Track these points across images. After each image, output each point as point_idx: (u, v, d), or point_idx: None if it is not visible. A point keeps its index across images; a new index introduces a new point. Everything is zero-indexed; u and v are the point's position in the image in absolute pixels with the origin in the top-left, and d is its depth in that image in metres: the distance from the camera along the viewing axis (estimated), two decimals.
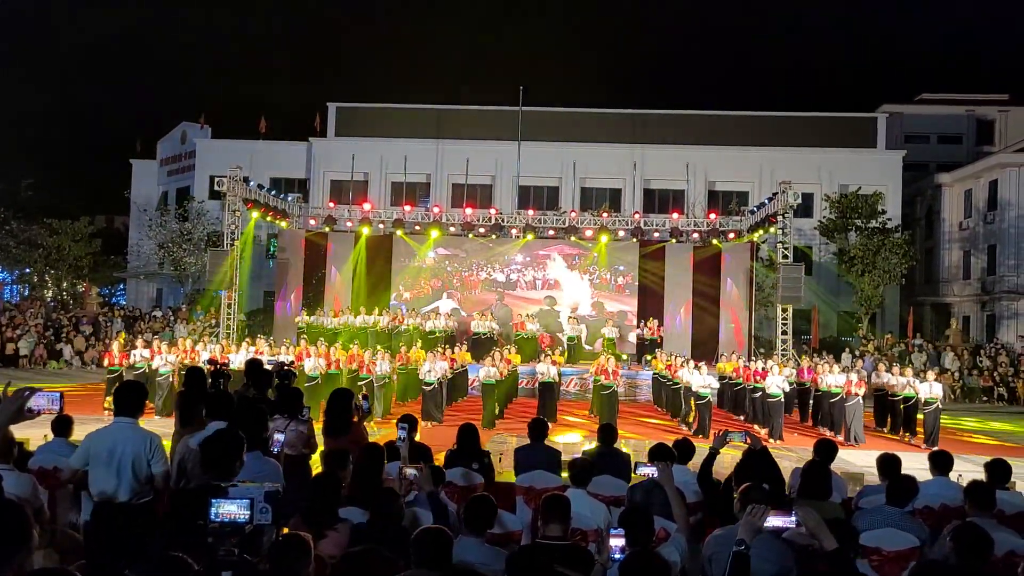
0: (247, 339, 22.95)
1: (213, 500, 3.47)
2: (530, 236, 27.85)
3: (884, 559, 5.52)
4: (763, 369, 18.76)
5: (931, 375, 18.11)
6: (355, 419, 7.90)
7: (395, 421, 7.25)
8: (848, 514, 6.13)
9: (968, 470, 8.55)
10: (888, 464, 7.04)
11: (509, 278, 29.10)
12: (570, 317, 26.75)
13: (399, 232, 28.16)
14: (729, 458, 9.18)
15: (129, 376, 17.97)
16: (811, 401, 19.59)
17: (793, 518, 4.07)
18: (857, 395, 17.12)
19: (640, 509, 5.11)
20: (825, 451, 7.31)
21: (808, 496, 5.90)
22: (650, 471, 5.77)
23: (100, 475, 5.73)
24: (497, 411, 18.43)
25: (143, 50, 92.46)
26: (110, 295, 45.44)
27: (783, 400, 17.66)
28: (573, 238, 27.90)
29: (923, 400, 17.00)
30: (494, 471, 7.81)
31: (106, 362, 18.84)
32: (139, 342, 20.46)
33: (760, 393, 18.24)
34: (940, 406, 17.01)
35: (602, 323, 26.66)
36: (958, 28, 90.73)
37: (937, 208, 42.58)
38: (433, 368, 18.14)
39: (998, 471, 6.92)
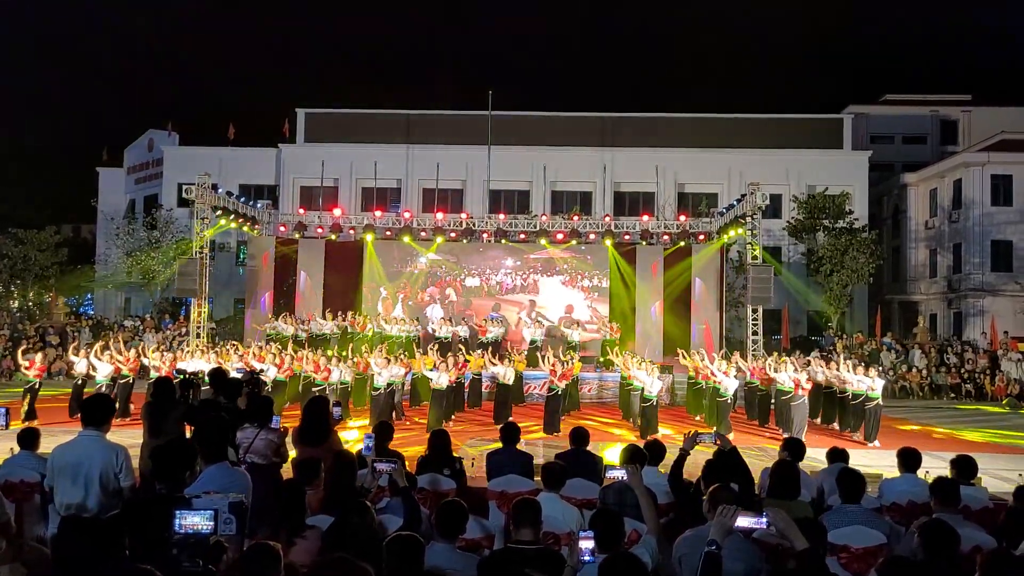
0: (206, 347, 22.74)
1: (177, 511, 3.44)
2: (503, 240, 27.94)
3: (852, 556, 5.59)
4: (718, 369, 18.93)
5: (873, 372, 18.18)
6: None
7: (366, 432, 7.23)
8: (817, 512, 6.19)
9: (935, 467, 8.66)
10: (834, 456, 7.10)
11: (500, 282, 29.11)
12: (533, 320, 26.67)
13: (379, 237, 28.11)
14: (703, 457, 9.24)
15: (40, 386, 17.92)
16: (762, 400, 19.69)
17: (764, 519, 4.10)
18: (802, 395, 17.24)
19: (610, 511, 5.13)
20: (794, 450, 7.35)
21: (777, 496, 5.95)
22: (619, 474, 5.79)
23: (67, 488, 5.67)
24: (443, 415, 18.04)
25: (109, 57, 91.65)
26: (77, 305, 44.89)
27: (729, 400, 17.79)
28: (544, 241, 27.91)
29: (866, 395, 17.15)
30: (466, 476, 7.80)
31: (32, 372, 18.30)
32: (82, 352, 20.08)
33: (708, 391, 18.48)
34: (880, 402, 17.17)
35: (569, 326, 26.64)
36: (921, 29, 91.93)
37: (903, 207, 43.08)
38: (382, 374, 18.02)
39: (964, 467, 7.02)
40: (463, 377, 19.87)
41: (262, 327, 26.20)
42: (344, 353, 20.97)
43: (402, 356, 20.50)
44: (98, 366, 18.43)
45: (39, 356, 19.07)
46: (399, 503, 5.77)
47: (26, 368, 18.44)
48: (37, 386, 17.99)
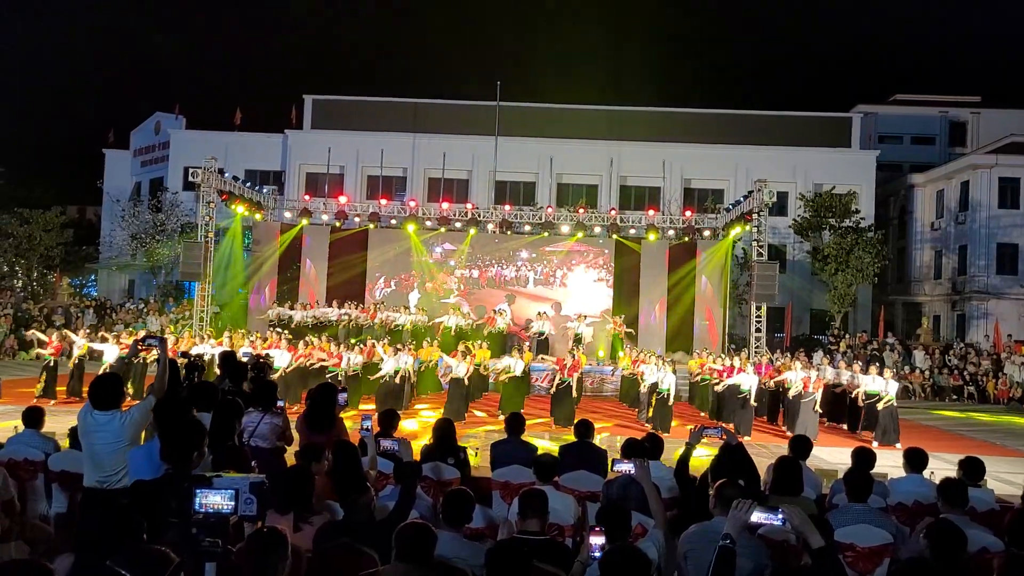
0: (209, 331, 22.77)
1: (197, 490, 3.41)
2: (508, 232, 27.91)
3: (858, 555, 5.57)
4: (730, 365, 18.87)
5: (888, 372, 18.16)
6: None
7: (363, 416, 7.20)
8: (822, 511, 6.17)
9: (941, 468, 8.63)
10: (856, 457, 7.07)
11: (518, 275, 29.08)
12: (539, 313, 26.61)
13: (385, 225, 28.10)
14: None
15: (63, 364, 18.02)
16: (771, 398, 19.63)
17: (780, 515, 4.07)
18: (813, 392, 17.18)
19: (618, 505, 5.11)
20: (799, 447, 7.32)
21: (780, 492, 5.92)
22: (627, 467, 5.76)
23: (89, 458, 5.63)
24: (465, 406, 18.25)
25: (117, 39, 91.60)
26: (81, 286, 44.91)
27: (748, 396, 17.59)
28: (546, 233, 27.87)
29: (881, 396, 17.12)
30: (470, 466, 7.78)
31: (49, 351, 18.38)
32: (80, 333, 20.08)
33: (725, 389, 18.32)
34: (895, 403, 17.12)
35: (573, 319, 26.59)
36: (932, 30, 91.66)
37: (910, 208, 43.00)
38: (388, 362, 17.99)
39: (971, 468, 6.99)
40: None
41: (264, 315, 26.16)
42: (353, 340, 21.00)
43: (410, 344, 20.44)
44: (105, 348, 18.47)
45: (55, 335, 19.09)
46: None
47: (43, 347, 18.55)
48: (53, 364, 17.99)
